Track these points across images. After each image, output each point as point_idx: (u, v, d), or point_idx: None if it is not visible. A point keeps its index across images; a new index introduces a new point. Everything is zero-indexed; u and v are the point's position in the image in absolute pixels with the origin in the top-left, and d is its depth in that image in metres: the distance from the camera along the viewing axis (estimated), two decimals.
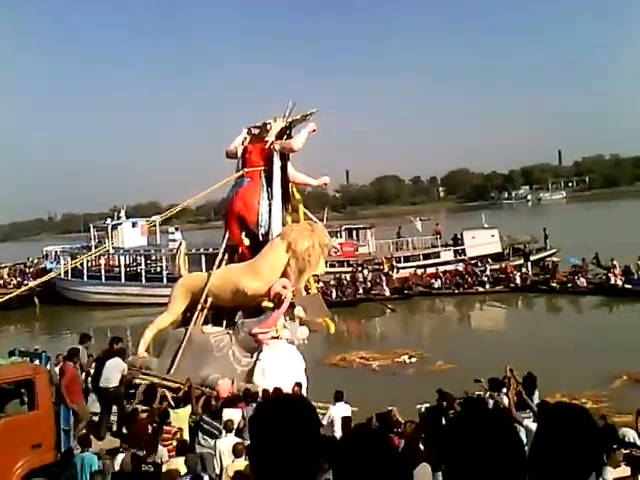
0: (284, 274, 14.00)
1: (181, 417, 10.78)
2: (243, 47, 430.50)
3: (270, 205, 14.71)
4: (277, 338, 13.82)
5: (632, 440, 7.20)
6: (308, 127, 15.03)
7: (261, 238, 14.73)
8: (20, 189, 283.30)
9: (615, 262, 30.46)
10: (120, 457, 8.66)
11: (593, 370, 16.17)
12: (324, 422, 10.81)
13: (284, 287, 13.77)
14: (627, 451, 6.59)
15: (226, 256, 15.42)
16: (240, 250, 14.97)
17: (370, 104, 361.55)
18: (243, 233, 14.84)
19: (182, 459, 8.21)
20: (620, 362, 16.73)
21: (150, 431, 9.88)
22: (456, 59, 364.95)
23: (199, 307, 14.50)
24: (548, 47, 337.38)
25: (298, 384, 11.76)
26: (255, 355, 13.69)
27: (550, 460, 2.10)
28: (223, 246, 15.48)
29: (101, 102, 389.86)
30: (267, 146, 14.80)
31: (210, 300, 14.57)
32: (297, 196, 16.03)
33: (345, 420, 9.99)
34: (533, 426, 5.72)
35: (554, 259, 35.76)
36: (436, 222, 42.72)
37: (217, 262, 15.43)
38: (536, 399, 9.53)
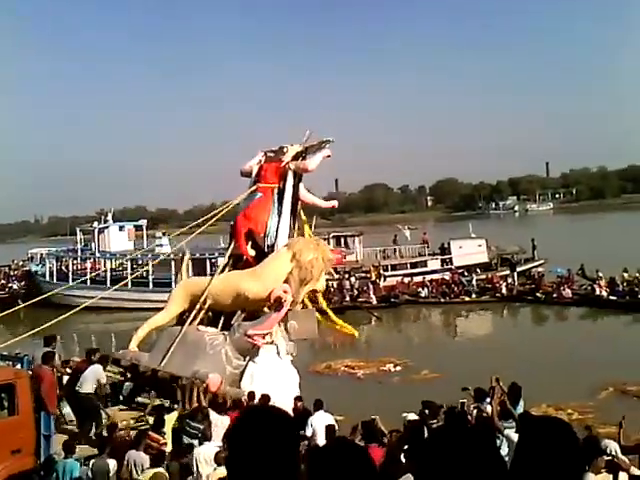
0: (286, 282, 14.09)
1: (169, 421, 10.69)
2: (243, 47, 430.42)
3: (279, 221, 15.05)
4: (271, 343, 13.79)
5: (613, 452, 7.22)
6: (323, 152, 15.59)
7: (267, 250, 14.94)
8: (6, 190, 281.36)
9: (600, 273, 30.67)
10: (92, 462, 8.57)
11: (579, 381, 16.28)
12: (307, 432, 10.77)
13: (285, 292, 13.85)
14: (608, 458, 6.63)
15: (230, 264, 15.58)
16: (245, 259, 15.17)
17: (362, 113, 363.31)
18: (249, 244, 15.06)
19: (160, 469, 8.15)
20: (606, 373, 16.83)
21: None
22: (448, 69, 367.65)
23: (197, 307, 14.56)
24: (541, 56, 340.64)
25: (298, 398, 11.54)
26: (247, 359, 13.65)
27: (530, 472, 2.10)
28: (227, 254, 15.77)
29: (99, 102, 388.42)
30: (283, 165, 15.30)
31: (209, 302, 14.57)
32: (303, 217, 16.33)
33: (329, 429, 9.94)
34: (515, 436, 5.73)
35: (539, 270, 35.98)
36: (423, 231, 42.86)
37: (220, 268, 15.76)
38: (520, 409, 9.54)
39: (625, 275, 30.84)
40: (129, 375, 14.37)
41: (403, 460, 7.45)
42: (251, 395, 11.76)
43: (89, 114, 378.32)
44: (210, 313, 14.86)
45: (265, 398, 11.69)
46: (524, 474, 2.10)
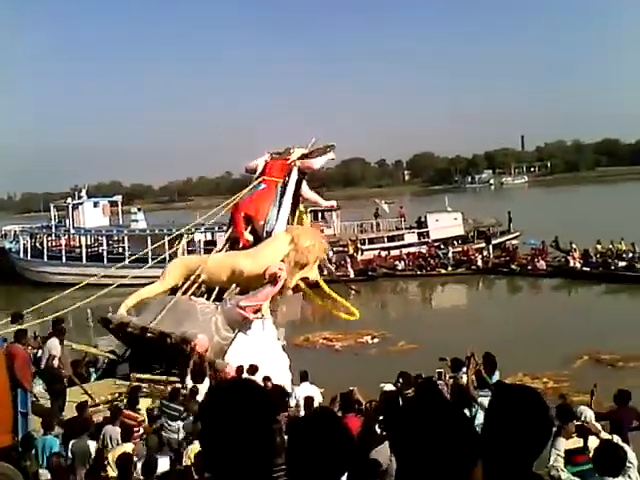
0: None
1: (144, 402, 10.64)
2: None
3: (278, 212, 15.56)
4: (262, 318, 13.98)
5: (588, 419, 7.39)
6: (328, 155, 16.64)
7: (264, 236, 15.36)
8: None
9: (574, 245, 31.15)
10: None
11: (554, 350, 16.55)
12: (291, 403, 10.89)
13: (280, 269, 14.10)
14: (579, 423, 6.80)
15: (227, 247, 16.02)
16: (241, 245, 15.56)
17: (337, 87, 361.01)
18: (248, 230, 15.52)
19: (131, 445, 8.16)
20: (580, 343, 17.16)
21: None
22: (424, 44, 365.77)
23: (192, 278, 14.78)
24: (516, 35, 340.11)
25: (267, 378, 11.53)
26: (236, 332, 13.72)
27: (499, 437, 2.16)
28: (225, 236, 16.42)
29: (69, 71, 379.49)
30: (289, 162, 16.05)
31: (204, 277, 14.76)
32: (301, 209, 16.85)
33: (307, 400, 10.05)
34: None
35: (514, 242, 36.44)
36: (400, 205, 43.00)
37: (217, 249, 16.38)
38: (496, 378, 9.70)
39: (598, 247, 31.38)
40: (120, 335, 14.55)
41: (379, 430, 7.57)
42: (238, 369, 11.75)
43: (52, 91, 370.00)
44: (203, 288, 14.98)
45: (253, 368, 11.78)
46: (493, 439, 2.17)
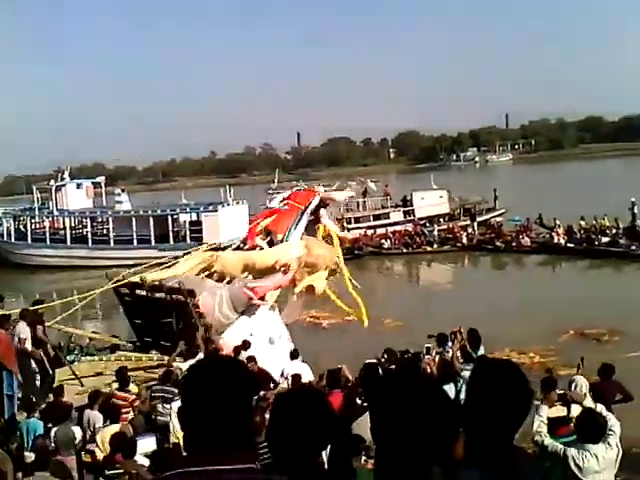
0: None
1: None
2: None
3: (295, 229, 16.19)
4: (266, 303, 14.14)
5: (584, 389, 7.44)
6: (349, 192, 18.65)
7: None
8: None
9: (558, 222, 31.39)
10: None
11: (540, 326, 16.67)
12: (280, 380, 10.93)
13: (291, 260, 14.60)
14: (561, 392, 6.89)
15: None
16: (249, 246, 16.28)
17: (321, 62, 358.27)
18: (266, 240, 16.02)
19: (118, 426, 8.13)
20: (566, 318, 17.29)
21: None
22: (407, 22, 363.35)
23: (203, 265, 15.25)
24: (501, 12, 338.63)
25: (252, 358, 11.43)
26: (238, 315, 13.74)
27: (480, 410, 2.18)
28: (240, 238, 17.71)
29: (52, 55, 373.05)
30: (313, 192, 17.17)
31: (217, 267, 14.94)
32: (322, 224, 17.28)
33: (295, 378, 10.10)
34: None
35: (498, 219, 36.64)
36: (385, 184, 42.97)
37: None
38: (481, 353, 9.80)
39: (582, 223, 31.63)
40: (126, 300, 15.15)
41: (360, 402, 7.64)
42: (236, 349, 11.69)
43: (44, 68, 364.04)
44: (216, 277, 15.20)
45: (245, 344, 11.81)
46: (474, 412, 2.19)
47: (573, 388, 6.83)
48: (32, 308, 12.49)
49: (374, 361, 10.23)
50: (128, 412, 9.33)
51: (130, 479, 6.24)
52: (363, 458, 5.08)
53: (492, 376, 2.22)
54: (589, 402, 5.95)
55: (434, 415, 1.81)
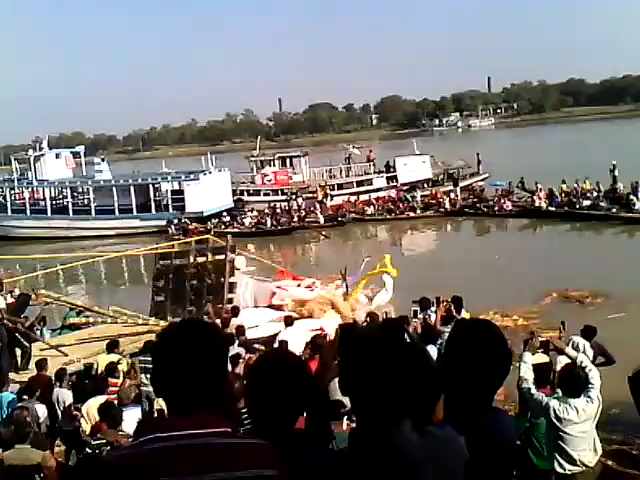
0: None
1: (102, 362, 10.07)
2: None
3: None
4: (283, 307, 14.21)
5: (582, 349, 7.55)
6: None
7: None
8: None
9: (539, 185, 31.54)
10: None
11: (523, 288, 16.82)
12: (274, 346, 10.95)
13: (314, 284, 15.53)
14: (543, 339, 7.00)
15: None
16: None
17: (303, 28, 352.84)
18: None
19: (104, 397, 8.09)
20: (548, 280, 17.44)
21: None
22: None
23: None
24: None
25: (240, 327, 11.28)
26: (253, 305, 14.13)
27: (459, 370, 2.19)
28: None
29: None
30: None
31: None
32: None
33: (280, 344, 10.12)
34: None
35: (480, 184, 36.71)
36: (369, 149, 42.80)
37: None
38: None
39: (563, 186, 31.80)
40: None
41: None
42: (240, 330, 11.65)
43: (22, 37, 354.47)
44: None
45: (235, 310, 11.89)
46: (453, 373, 2.20)
47: (573, 347, 6.93)
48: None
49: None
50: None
51: (112, 449, 6.23)
52: (345, 422, 5.12)
53: (470, 335, 2.22)
54: (571, 350, 6.02)
55: (405, 370, 1.80)
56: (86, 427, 7.71)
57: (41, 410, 7.87)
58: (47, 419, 8.07)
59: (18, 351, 11.44)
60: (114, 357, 9.93)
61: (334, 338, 3.13)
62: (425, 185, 37.21)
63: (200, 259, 14.29)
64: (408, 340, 1.99)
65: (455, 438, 1.93)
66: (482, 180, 37.62)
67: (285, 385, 1.99)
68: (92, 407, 7.89)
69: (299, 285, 15.81)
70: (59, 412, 8.42)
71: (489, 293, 16.22)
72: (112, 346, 10.25)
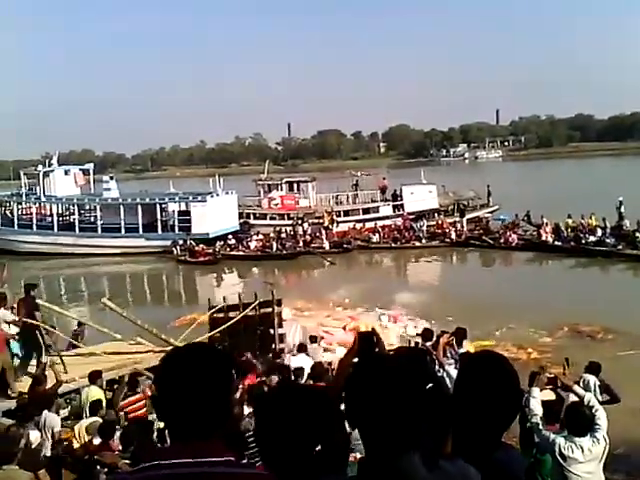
0: None
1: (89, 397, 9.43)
2: None
3: None
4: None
5: (592, 387, 7.47)
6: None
7: None
8: None
9: (545, 219, 31.53)
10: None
11: (534, 322, 16.76)
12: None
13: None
14: (551, 375, 6.92)
15: None
16: None
17: (314, 56, 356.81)
18: None
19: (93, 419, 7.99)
20: (558, 315, 17.35)
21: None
22: (404, 21, 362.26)
23: None
24: (490, 8, 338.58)
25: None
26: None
27: (469, 405, 2.14)
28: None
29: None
30: None
31: None
32: None
33: (296, 372, 9.96)
34: (454, 372, 5.96)
35: (486, 215, 36.71)
36: (382, 177, 42.85)
37: None
38: (463, 350, 9.86)
39: (569, 221, 31.79)
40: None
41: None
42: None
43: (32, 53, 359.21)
44: None
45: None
46: (463, 408, 2.16)
47: (582, 385, 6.87)
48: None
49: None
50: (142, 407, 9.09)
51: (110, 471, 6.14)
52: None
53: (481, 369, 2.19)
54: (579, 388, 5.96)
55: (423, 400, 1.73)
56: (76, 445, 7.66)
57: (34, 436, 7.43)
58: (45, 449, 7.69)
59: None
60: (97, 392, 9.40)
61: (352, 346, 2.98)
62: (436, 215, 37.22)
63: (249, 312, 14.42)
64: (434, 369, 1.95)
65: (468, 473, 1.88)
66: (492, 212, 37.58)
67: (294, 419, 1.86)
68: (83, 427, 7.84)
69: (344, 327, 16.43)
70: (46, 436, 7.91)
71: (498, 324, 16.16)
72: (95, 377, 9.75)
